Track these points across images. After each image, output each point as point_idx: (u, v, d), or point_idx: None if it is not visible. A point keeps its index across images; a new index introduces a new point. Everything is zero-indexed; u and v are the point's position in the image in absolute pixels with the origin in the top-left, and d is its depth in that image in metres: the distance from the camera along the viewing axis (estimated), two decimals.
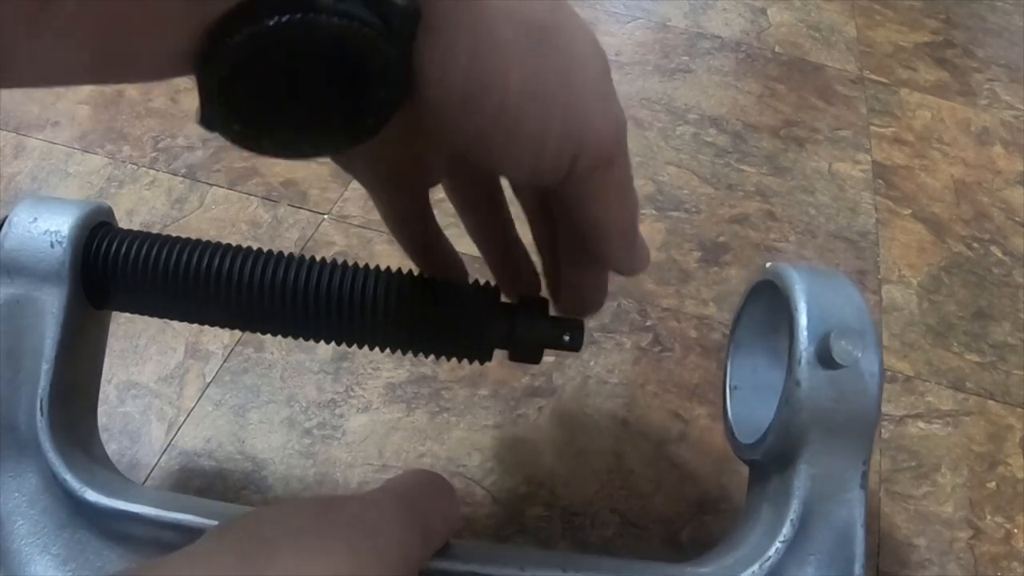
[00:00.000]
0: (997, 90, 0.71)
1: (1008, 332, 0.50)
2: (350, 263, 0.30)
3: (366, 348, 0.31)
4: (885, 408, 0.44)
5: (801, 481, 0.29)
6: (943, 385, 0.46)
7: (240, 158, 0.55)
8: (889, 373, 0.46)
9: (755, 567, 0.28)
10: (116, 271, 0.29)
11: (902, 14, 0.80)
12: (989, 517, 0.40)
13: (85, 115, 0.57)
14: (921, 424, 0.44)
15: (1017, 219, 0.58)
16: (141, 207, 0.51)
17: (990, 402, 0.46)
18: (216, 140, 0.56)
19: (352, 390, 0.42)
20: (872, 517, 0.39)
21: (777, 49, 0.72)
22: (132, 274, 0.29)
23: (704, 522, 0.38)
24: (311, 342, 0.31)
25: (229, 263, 0.29)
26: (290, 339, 0.31)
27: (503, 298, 0.31)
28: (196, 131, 0.57)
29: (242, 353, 0.43)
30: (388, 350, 0.31)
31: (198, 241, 0.30)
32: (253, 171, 0.54)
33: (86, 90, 0.59)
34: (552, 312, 0.31)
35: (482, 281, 0.31)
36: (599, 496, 0.39)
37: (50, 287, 0.29)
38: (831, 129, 0.64)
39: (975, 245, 0.55)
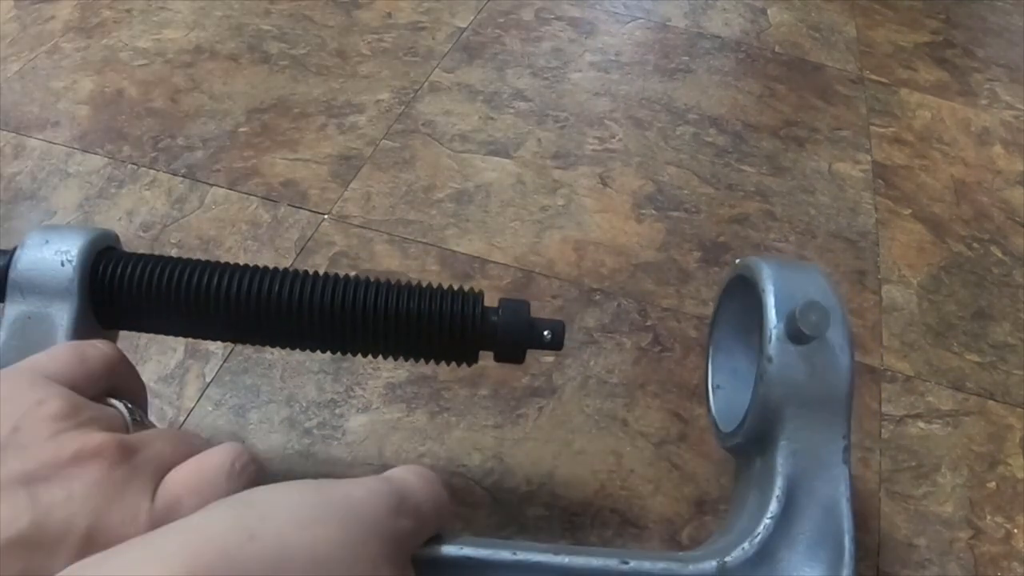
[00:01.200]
0: (997, 90, 0.71)
1: (1008, 332, 0.50)
2: (342, 274, 0.31)
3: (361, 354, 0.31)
4: (885, 408, 0.44)
5: (783, 458, 0.30)
6: (943, 385, 0.46)
7: (240, 158, 0.55)
8: (889, 373, 0.46)
9: (745, 545, 0.29)
10: (122, 292, 0.31)
11: (902, 14, 0.80)
12: (989, 517, 0.40)
13: (85, 115, 0.57)
14: (921, 424, 0.44)
15: (1017, 219, 0.58)
16: (141, 207, 0.51)
17: (990, 402, 0.45)
18: (216, 140, 0.56)
19: (352, 390, 0.42)
20: (872, 517, 0.39)
21: (777, 49, 0.72)
22: (136, 296, 0.31)
23: (704, 522, 0.38)
24: None
25: (227, 282, 0.30)
26: None
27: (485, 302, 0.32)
28: (196, 131, 0.57)
29: (242, 353, 0.43)
30: (380, 356, 0.32)
31: (198, 261, 0.31)
32: (253, 171, 0.54)
33: (86, 90, 0.59)
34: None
35: (467, 287, 0.32)
36: (599, 496, 0.39)
37: (60, 303, 0.31)
38: (831, 129, 0.64)
39: (975, 245, 0.55)
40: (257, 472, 0.26)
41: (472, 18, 0.71)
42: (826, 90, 0.68)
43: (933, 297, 0.51)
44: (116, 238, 0.33)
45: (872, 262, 0.53)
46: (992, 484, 0.42)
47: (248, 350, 0.43)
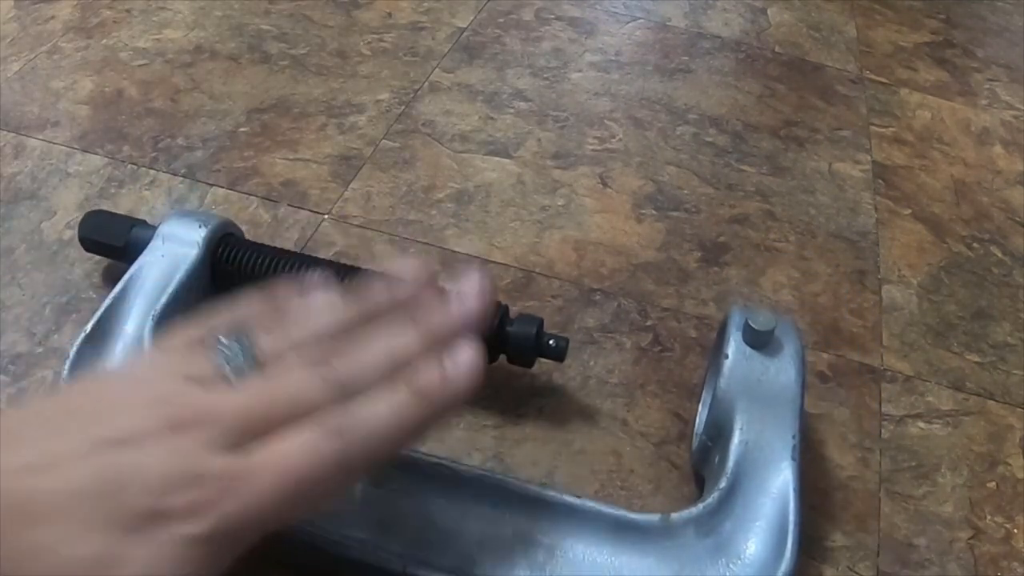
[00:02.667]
0: (997, 90, 0.71)
1: (1008, 332, 0.50)
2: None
3: None
4: (885, 408, 0.44)
5: (736, 446, 0.34)
6: (943, 385, 0.46)
7: (240, 158, 0.55)
8: (889, 373, 0.46)
9: (692, 508, 0.32)
10: (228, 266, 0.41)
11: (902, 14, 0.80)
12: (989, 517, 0.40)
13: (85, 115, 0.57)
14: (921, 424, 0.44)
15: (1017, 219, 0.58)
16: (141, 207, 0.51)
17: (990, 402, 0.46)
18: (216, 140, 0.56)
19: None
20: (872, 517, 0.39)
21: (777, 49, 0.72)
22: (234, 272, 0.41)
23: None
24: None
25: (288, 269, 0.40)
26: None
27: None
28: (196, 131, 0.57)
29: None
30: None
31: (281, 253, 0.42)
32: (253, 171, 0.54)
33: (86, 90, 0.59)
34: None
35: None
36: (599, 496, 0.39)
37: (188, 250, 0.41)
38: (831, 129, 0.64)
39: (975, 245, 0.55)
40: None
41: (472, 18, 0.71)
42: (826, 90, 0.68)
43: (933, 297, 0.51)
44: (239, 229, 0.45)
45: (872, 262, 0.53)
46: (992, 484, 0.42)
47: None
